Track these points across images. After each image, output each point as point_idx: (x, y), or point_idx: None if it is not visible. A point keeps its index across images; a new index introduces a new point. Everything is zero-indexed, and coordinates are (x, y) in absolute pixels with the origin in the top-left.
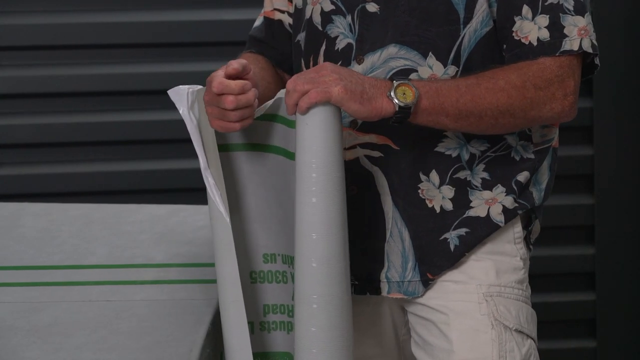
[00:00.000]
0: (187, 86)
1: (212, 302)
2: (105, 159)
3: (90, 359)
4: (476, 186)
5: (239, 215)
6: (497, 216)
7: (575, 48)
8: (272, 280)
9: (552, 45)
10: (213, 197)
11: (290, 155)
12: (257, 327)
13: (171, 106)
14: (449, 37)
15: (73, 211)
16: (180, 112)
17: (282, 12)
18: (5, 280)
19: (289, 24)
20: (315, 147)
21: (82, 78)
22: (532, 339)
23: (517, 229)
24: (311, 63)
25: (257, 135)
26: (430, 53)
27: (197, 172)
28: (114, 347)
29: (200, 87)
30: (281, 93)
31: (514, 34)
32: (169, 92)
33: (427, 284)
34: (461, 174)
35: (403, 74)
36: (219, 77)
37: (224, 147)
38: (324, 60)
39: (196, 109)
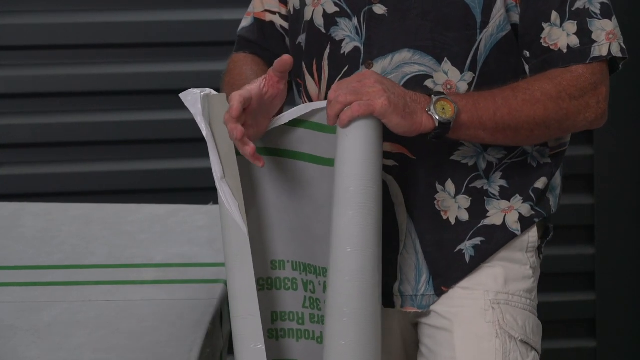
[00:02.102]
0: (199, 90)
1: (212, 302)
2: (105, 159)
3: (90, 359)
4: (493, 195)
5: (251, 222)
6: (514, 224)
7: (604, 53)
8: (280, 287)
9: (583, 52)
10: (228, 207)
11: (319, 160)
12: (264, 334)
13: (171, 106)
14: (466, 42)
15: (73, 211)
16: (195, 117)
17: (273, 13)
18: (5, 280)
19: (281, 25)
20: (354, 159)
21: (82, 78)
22: (537, 351)
23: (532, 238)
24: (314, 67)
25: (277, 140)
26: (445, 58)
27: (197, 172)
28: (113, 347)
29: (209, 90)
30: (318, 104)
31: (542, 41)
32: (181, 95)
33: (440, 296)
34: (477, 183)
35: (418, 81)
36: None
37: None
38: (329, 64)
39: (207, 114)
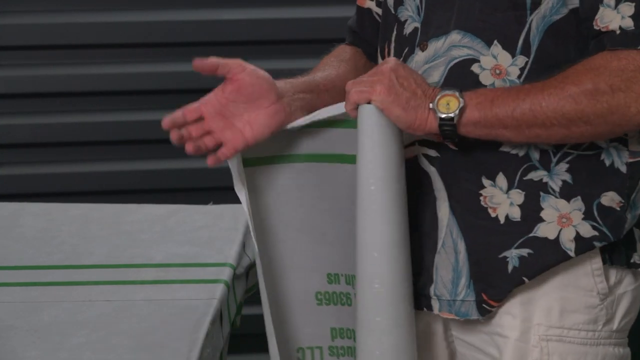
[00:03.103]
0: None
1: (212, 302)
2: (105, 159)
3: (90, 359)
4: (553, 190)
5: (295, 232)
6: (568, 243)
7: None
8: (337, 302)
9: (636, 36)
10: (248, 220)
11: (354, 160)
12: (326, 352)
13: (171, 106)
14: (515, 24)
15: (72, 211)
16: None
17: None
18: (5, 280)
19: (377, 13)
20: (374, 158)
21: (82, 78)
22: None
23: (595, 264)
24: (385, 50)
25: (316, 144)
26: (495, 41)
27: (197, 172)
28: (113, 347)
29: None
30: (335, 108)
31: (594, 24)
32: None
33: (482, 308)
34: (534, 175)
35: (464, 65)
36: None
37: (269, 160)
38: (395, 47)
39: None
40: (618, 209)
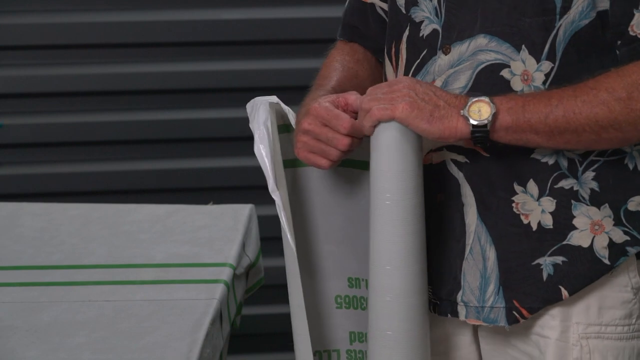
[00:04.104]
0: (261, 99)
1: (212, 302)
2: (105, 159)
3: (89, 359)
4: (583, 198)
5: (318, 235)
6: (602, 250)
7: None
8: (357, 307)
9: None
10: (281, 221)
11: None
12: (343, 355)
13: (171, 106)
14: (543, 29)
15: (72, 211)
16: (252, 127)
17: None
18: (4, 280)
19: (381, 7)
20: (388, 171)
21: (82, 78)
22: None
23: (631, 267)
24: (393, 50)
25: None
26: (523, 46)
27: (197, 172)
28: (113, 347)
29: (273, 98)
30: None
31: (629, 29)
32: (247, 106)
33: (512, 316)
34: (565, 183)
35: (493, 70)
36: (329, 106)
37: (292, 163)
38: (407, 48)
39: (269, 123)
40: None
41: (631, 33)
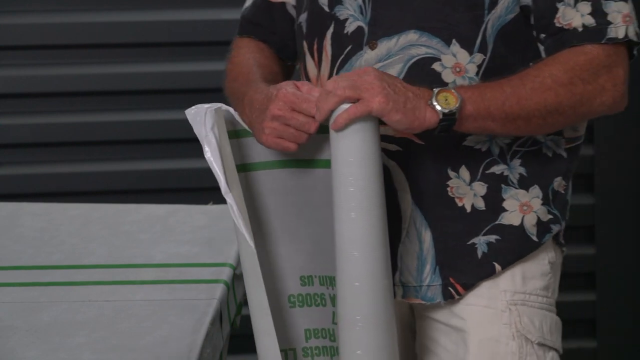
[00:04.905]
0: (206, 105)
1: (212, 302)
2: (105, 159)
3: (89, 359)
4: (512, 182)
5: (271, 237)
6: (531, 228)
7: (621, 36)
8: (311, 304)
9: (599, 31)
10: (236, 222)
11: (326, 164)
12: (299, 353)
13: (171, 106)
14: (474, 23)
15: (72, 211)
16: (198, 133)
17: None
18: (4, 280)
19: (293, 6)
20: (352, 159)
21: (82, 78)
22: (556, 350)
23: (548, 242)
24: (315, 46)
25: (279, 152)
26: (454, 40)
27: (197, 172)
28: (113, 347)
29: (220, 105)
30: None
31: (555, 21)
32: (187, 113)
33: (447, 292)
34: (496, 169)
35: (424, 63)
36: (296, 91)
37: (243, 167)
38: (332, 44)
39: (216, 129)
40: (563, 192)
41: (557, 25)
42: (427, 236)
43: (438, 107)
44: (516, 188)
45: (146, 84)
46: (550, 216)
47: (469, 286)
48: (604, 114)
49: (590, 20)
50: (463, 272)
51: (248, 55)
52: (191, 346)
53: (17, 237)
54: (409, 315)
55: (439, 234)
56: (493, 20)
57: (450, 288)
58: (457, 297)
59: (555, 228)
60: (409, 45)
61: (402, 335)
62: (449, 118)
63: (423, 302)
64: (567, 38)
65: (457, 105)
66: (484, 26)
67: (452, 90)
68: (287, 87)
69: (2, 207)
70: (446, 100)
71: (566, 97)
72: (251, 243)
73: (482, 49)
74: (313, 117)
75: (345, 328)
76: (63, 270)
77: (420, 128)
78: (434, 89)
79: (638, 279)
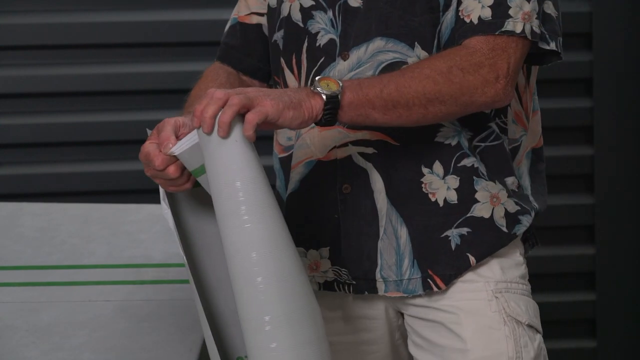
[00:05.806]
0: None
1: None
2: (105, 159)
3: (89, 359)
4: (483, 174)
5: (215, 244)
6: (500, 220)
7: (518, 30)
8: None
9: (493, 24)
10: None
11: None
12: None
13: (171, 106)
14: (431, 25)
15: (72, 211)
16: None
17: (262, 15)
18: (4, 280)
19: (266, 26)
20: (236, 165)
21: (82, 78)
22: (540, 333)
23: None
24: (294, 61)
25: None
26: (416, 43)
27: None
28: (113, 347)
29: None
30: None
31: (459, 13)
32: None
33: (427, 283)
34: (467, 161)
35: (394, 67)
36: (159, 156)
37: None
38: (307, 57)
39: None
40: (516, 189)
41: (461, 17)
42: (403, 232)
43: (320, 89)
44: (486, 180)
45: (146, 84)
46: (518, 207)
47: (446, 278)
48: (488, 107)
49: (487, 13)
50: (440, 264)
51: (211, 83)
52: (191, 346)
53: (17, 237)
54: (397, 318)
55: (414, 228)
56: (446, 21)
57: (429, 280)
58: (436, 289)
59: (525, 219)
60: (377, 52)
61: (389, 340)
62: (332, 101)
63: (405, 294)
64: (464, 30)
65: (339, 89)
66: (439, 27)
67: (333, 77)
68: (152, 153)
69: (2, 207)
70: (328, 85)
71: (445, 85)
72: (190, 277)
73: (438, 49)
74: (177, 177)
75: (251, 329)
76: (63, 270)
77: (311, 118)
78: (316, 78)
79: (638, 279)
